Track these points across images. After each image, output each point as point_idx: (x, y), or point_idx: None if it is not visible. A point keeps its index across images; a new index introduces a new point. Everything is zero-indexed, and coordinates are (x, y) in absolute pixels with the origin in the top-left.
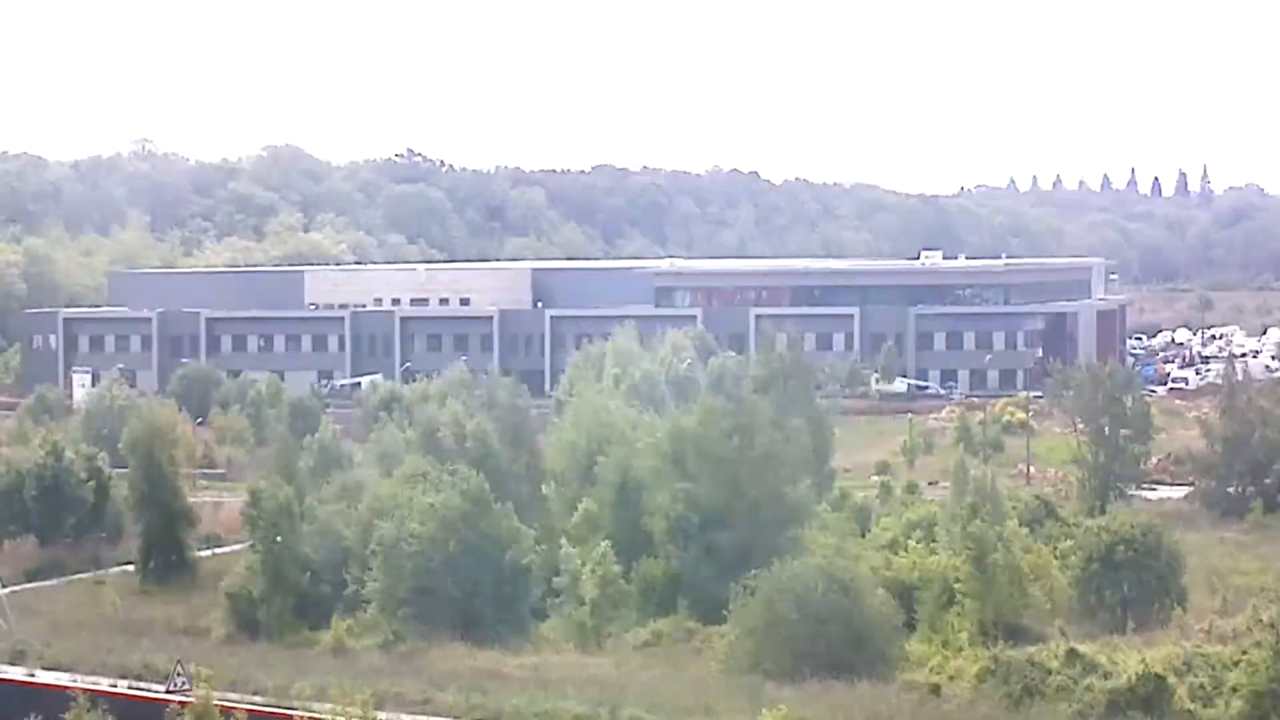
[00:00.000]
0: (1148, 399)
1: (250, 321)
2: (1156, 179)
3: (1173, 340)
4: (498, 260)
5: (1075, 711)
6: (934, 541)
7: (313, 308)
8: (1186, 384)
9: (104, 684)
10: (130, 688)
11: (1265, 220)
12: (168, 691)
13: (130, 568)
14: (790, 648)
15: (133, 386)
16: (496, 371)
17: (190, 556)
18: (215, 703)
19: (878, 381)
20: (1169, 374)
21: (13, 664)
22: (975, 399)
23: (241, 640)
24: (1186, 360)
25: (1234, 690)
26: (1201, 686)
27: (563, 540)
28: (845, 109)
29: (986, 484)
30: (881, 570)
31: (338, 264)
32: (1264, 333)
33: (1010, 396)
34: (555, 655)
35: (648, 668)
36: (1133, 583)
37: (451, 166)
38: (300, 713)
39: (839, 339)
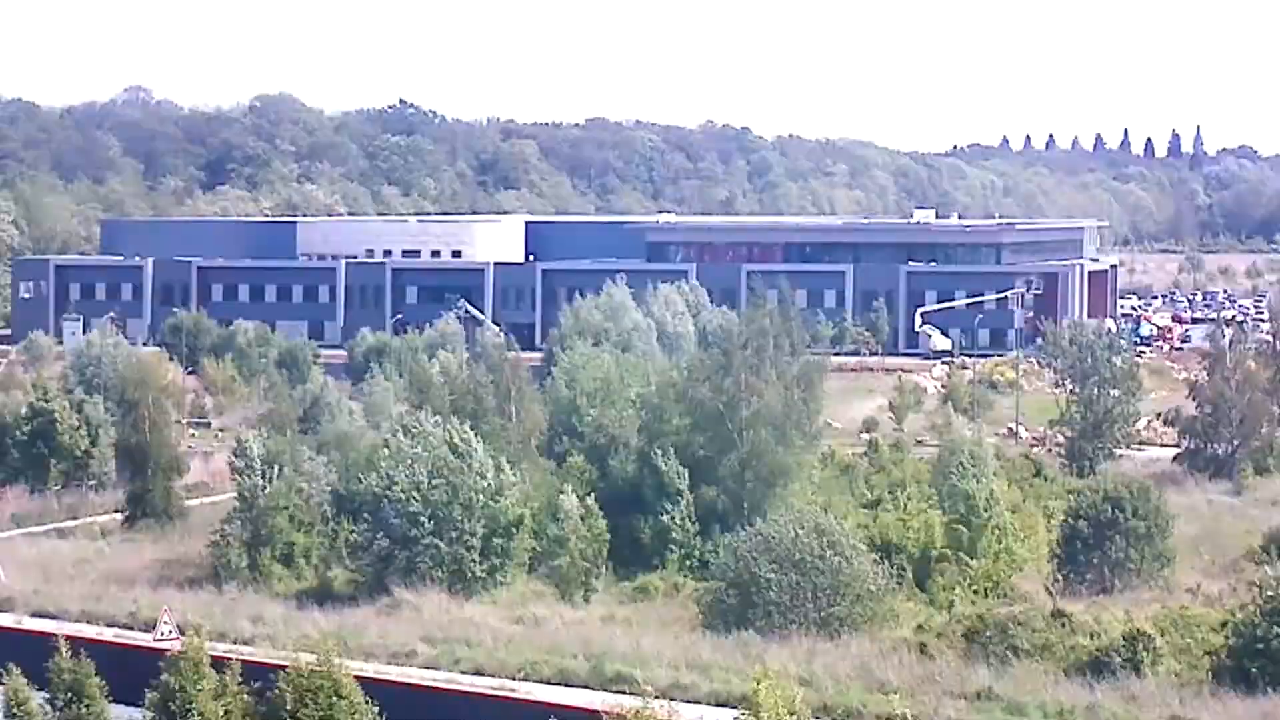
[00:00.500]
0: (1136, 359)
1: (242, 271)
2: (1149, 140)
3: (1168, 299)
4: (490, 213)
5: (1060, 670)
6: (922, 500)
7: (304, 258)
8: (1187, 341)
9: (90, 632)
10: (117, 636)
11: (1257, 182)
12: (155, 639)
13: (118, 516)
14: (775, 604)
15: (124, 335)
16: (489, 323)
17: (178, 505)
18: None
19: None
20: (1155, 332)
21: (0, 611)
22: (965, 357)
23: (228, 590)
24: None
25: (1219, 650)
26: (1187, 646)
27: (563, 491)
28: (838, 65)
29: (974, 442)
30: (868, 527)
31: (330, 214)
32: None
33: (1001, 355)
34: (541, 608)
35: (633, 622)
36: (1119, 543)
37: (444, 118)
38: (285, 663)
39: (830, 296)
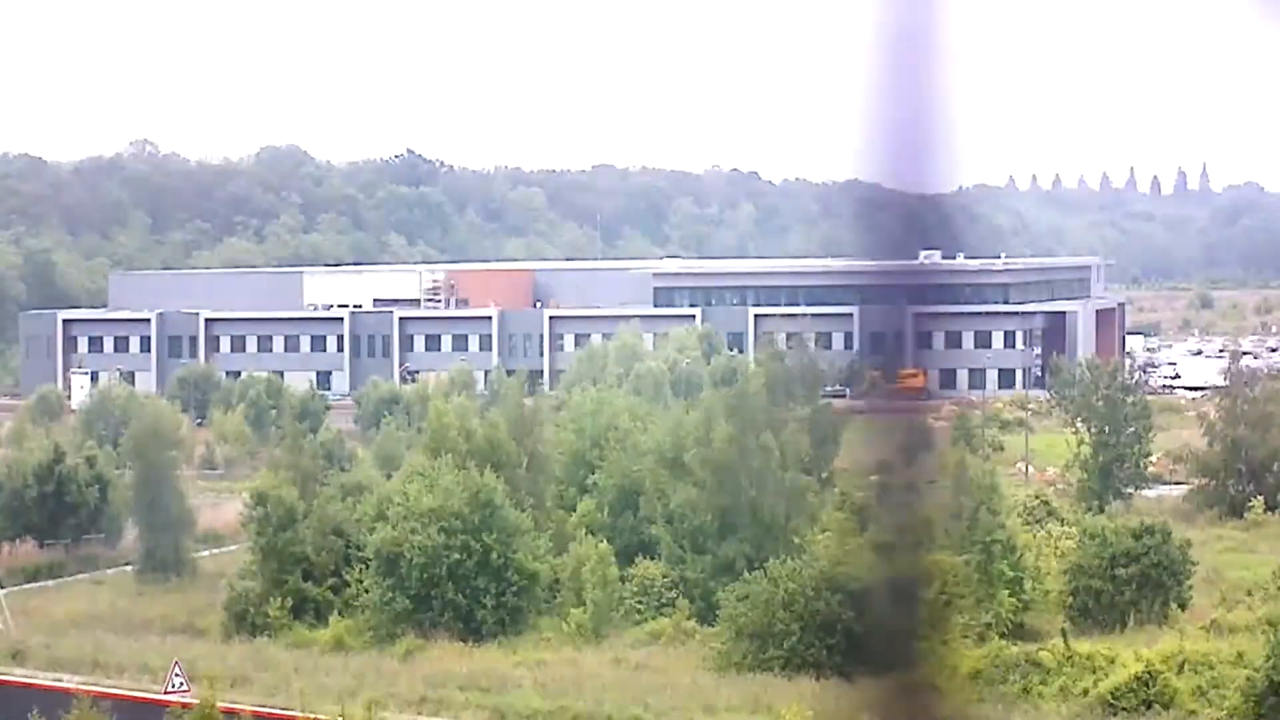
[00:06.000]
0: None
1: (249, 322)
2: (1156, 178)
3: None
4: (497, 261)
5: (1074, 711)
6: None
7: (311, 308)
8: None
9: (102, 684)
10: (128, 688)
11: (1265, 218)
12: (165, 692)
13: (129, 568)
14: (786, 648)
15: (131, 385)
16: (500, 370)
17: (189, 557)
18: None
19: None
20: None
21: (11, 665)
22: (974, 397)
23: (240, 640)
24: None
25: (1233, 687)
26: (1200, 685)
27: (578, 536)
28: (845, 107)
29: (986, 483)
30: (880, 570)
31: (338, 265)
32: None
33: (1009, 395)
34: (554, 654)
35: (646, 668)
36: (1133, 582)
37: (451, 167)
38: (299, 713)
39: (839, 338)
